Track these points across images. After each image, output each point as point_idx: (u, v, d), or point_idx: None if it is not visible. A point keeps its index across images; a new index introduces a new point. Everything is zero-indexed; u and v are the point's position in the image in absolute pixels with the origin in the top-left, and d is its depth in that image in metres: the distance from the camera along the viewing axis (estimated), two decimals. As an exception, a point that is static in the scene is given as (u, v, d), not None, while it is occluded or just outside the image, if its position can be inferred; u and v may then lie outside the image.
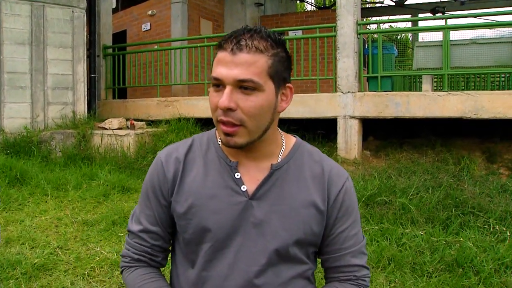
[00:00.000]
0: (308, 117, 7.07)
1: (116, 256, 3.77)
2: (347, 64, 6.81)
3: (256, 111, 1.13)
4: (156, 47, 9.08)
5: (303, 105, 6.99)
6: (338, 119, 6.84)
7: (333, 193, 1.26)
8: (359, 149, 6.83)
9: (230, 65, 1.11)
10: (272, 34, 1.17)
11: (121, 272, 1.33)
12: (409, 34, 16.58)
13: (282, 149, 1.27)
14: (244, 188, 1.21)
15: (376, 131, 7.63)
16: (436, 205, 4.85)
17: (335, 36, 7.00)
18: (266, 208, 1.20)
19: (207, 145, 1.28)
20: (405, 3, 14.21)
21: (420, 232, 4.25)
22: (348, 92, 6.81)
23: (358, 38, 6.86)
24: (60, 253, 3.86)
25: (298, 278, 1.25)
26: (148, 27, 10.72)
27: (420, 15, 14.00)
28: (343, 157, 6.70)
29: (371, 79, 7.16)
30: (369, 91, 7.15)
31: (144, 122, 7.51)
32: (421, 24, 16.73)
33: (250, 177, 1.23)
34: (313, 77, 7.57)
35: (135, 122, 7.13)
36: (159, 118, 7.94)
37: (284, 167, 1.24)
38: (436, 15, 12.90)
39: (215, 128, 1.27)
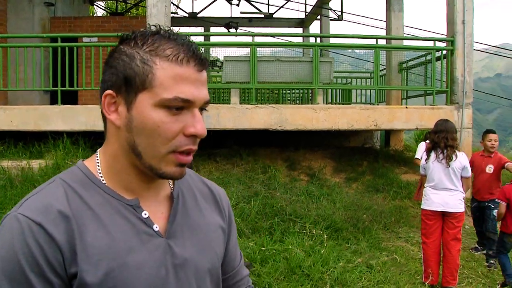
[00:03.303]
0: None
1: None
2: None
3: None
4: None
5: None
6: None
7: (226, 210, 1.17)
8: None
9: (197, 84, 0.93)
10: None
11: None
12: (201, 48, 17.15)
13: None
14: (156, 227, 0.99)
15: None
16: (257, 215, 5.06)
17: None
18: (184, 244, 1.02)
19: (83, 187, 0.97)
20: (198, 15, 14.65)
21: (250, 244, 4.36)
22: (158, 103, 6.64)
23: (168, 49, 6.76)
24: None
25: None
26: None
27: (213, 29, 14.62)
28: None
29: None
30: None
31: None
32: (215, 39, 17.60)
33: (154, 212, 1.01)
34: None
35: None
36: None
37: (180, 194, 1.07)
38: (231, 30, 13.66)
39: (83, 165, 1.00)
